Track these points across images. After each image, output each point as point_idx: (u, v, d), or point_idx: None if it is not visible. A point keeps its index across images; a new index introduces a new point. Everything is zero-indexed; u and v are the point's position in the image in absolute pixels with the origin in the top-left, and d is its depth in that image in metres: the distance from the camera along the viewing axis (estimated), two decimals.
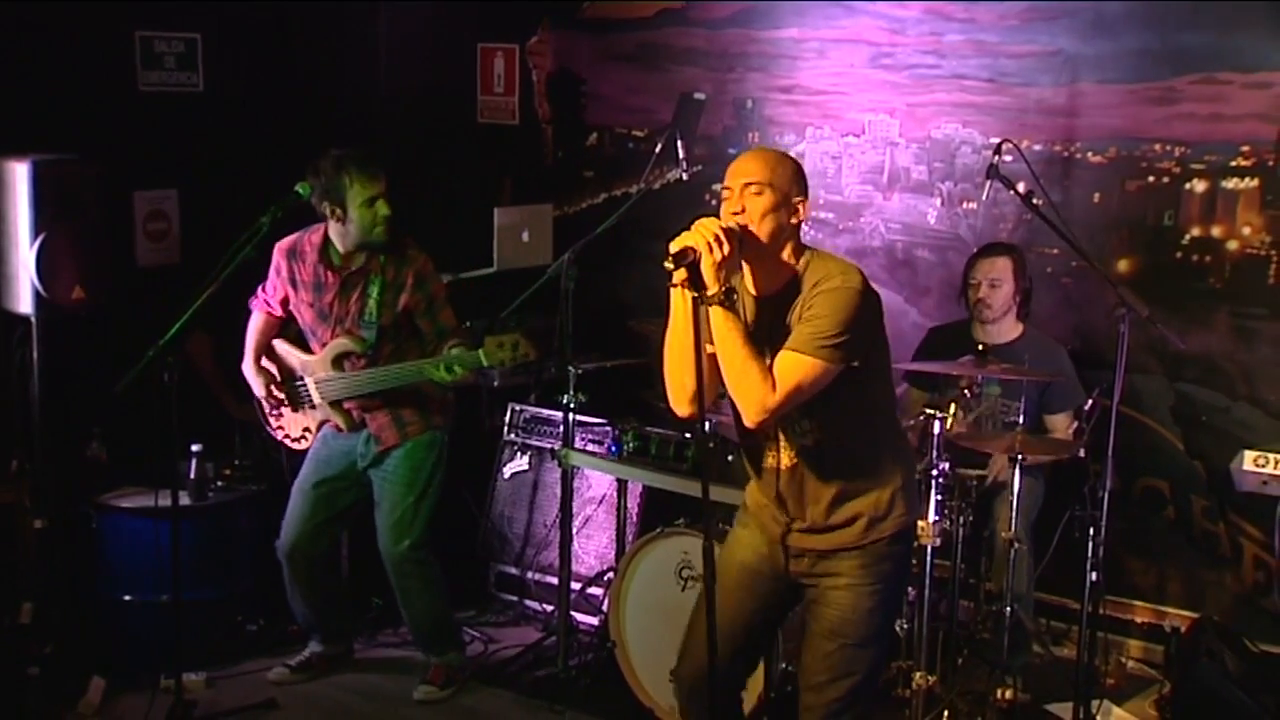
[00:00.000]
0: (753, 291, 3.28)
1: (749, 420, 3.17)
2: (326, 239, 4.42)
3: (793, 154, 3.40)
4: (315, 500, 4.58)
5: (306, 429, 4.63)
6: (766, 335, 3.21)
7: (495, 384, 5.49)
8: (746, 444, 3.42)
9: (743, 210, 3.18)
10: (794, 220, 3.23)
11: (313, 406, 4.56)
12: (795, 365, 3.12)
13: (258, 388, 4.58)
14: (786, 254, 3.24)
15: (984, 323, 4.85)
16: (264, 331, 4.60)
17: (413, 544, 4.54)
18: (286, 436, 4.69)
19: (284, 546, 4.62)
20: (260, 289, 4.58)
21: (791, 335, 3.15)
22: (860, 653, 3.33)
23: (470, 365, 4.22)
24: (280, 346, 4.60)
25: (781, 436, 3.30)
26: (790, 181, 3.22)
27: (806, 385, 3.12)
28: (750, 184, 3.19)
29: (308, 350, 4.53)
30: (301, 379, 4.56)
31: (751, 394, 3.12)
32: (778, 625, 3.65)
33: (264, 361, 4.59)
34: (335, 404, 4.49)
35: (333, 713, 4.62)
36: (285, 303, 4.55)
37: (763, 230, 3.18)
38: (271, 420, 4.71)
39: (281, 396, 4.58)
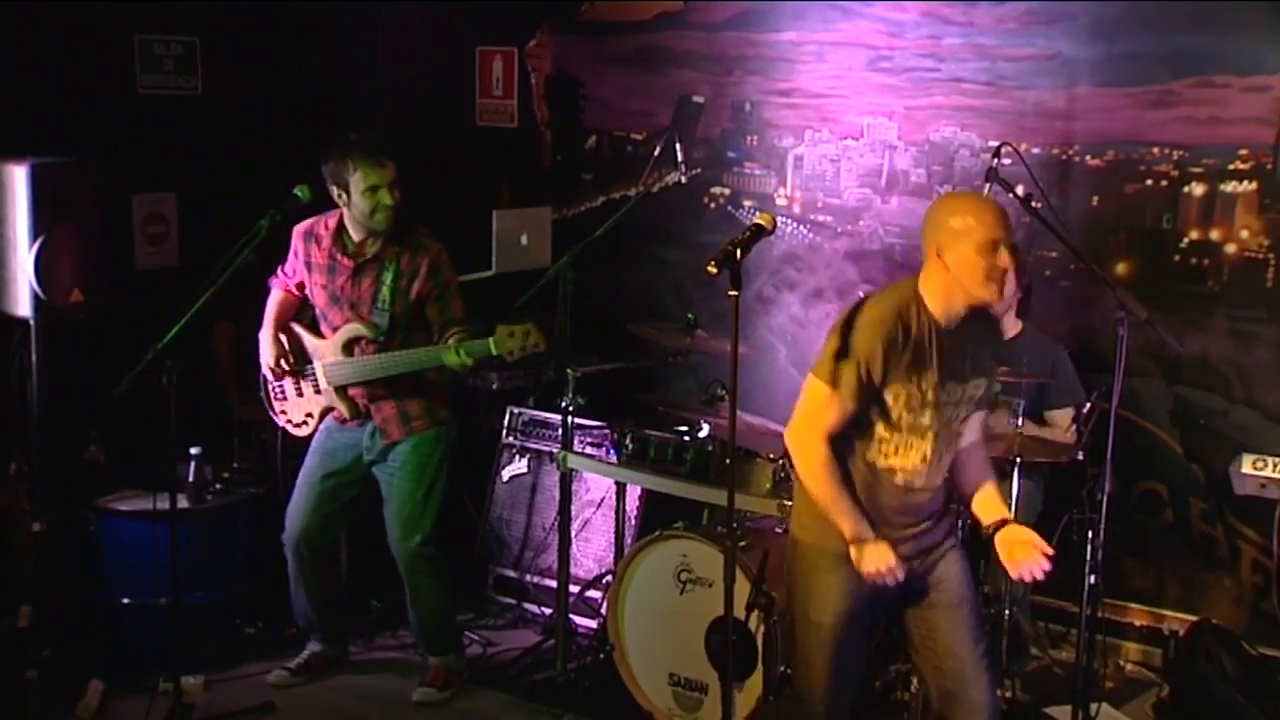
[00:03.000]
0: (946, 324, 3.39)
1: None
2: (341, 224, 4.46)
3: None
4: (322, 493, 4.59)
5: (309, 414, 4.63)
6: (970, 363, 3.41)
7: (494, 386, 5.50)
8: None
9: (1016, 267, 3.31)
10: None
11: (318, 391, 4.56)
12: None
13: (267, 355, 4.57)
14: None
15: None
16: (283, 306, 4.62)
17: (424, 539, 4.55)
18: (289, 421, 4.70)
19: (290, 539, 4.62)
20: (280, 269, 4.61)
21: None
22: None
23: (478, 353, 4.23)
24: (295, 329, 4.62)
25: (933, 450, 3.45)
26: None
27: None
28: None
29: (320, 335, 4.55)
30: (311, 363, 4.57)
31: None
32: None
33: (281, 336, 4.59)
34: (341, 390, 4.49)
35: (330, 715, 4.62)
36: (302, 286, 4.58)
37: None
38: (275, 404, 4.70)
39: (288, 369, 4.57)
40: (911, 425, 3.36)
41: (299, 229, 4.53)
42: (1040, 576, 3.47)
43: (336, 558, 4.85)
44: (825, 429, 3.35)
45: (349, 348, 4.45)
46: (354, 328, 4.43)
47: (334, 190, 4.36)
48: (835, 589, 3.45)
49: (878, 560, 3.37)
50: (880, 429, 3.37)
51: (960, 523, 3.71)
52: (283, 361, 4.56)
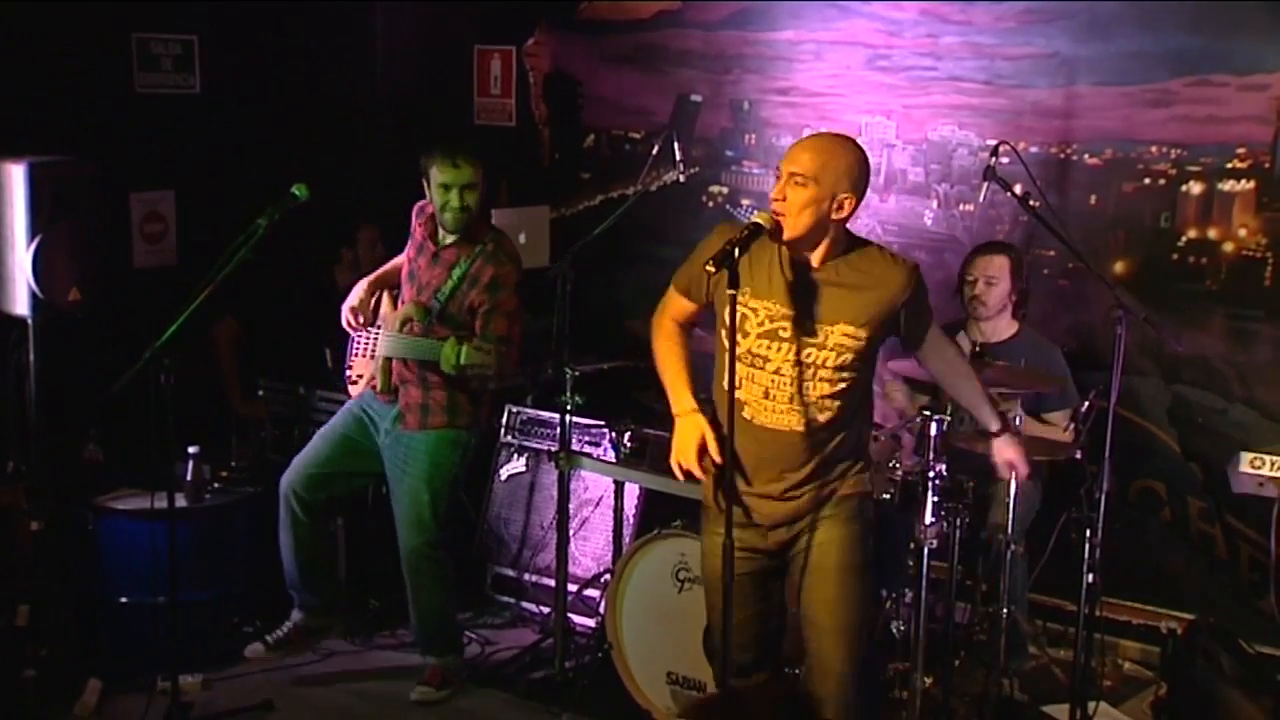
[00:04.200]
0: (811, 264, 3.38)
1: None
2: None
3: (851, 139, 3.44)
4: (331, 449, 4.63)
5: (361, 375, 4.70)
6: (807, 306, 3.34)
7: (492, 386, 5.49)
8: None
9: (783, 199, 3.28)
10: (836, 216, 3.32)
11: (372, 357, 4.63)
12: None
13: (350, 300, 4.63)
14: (827, 244, 3.36)
15: (978, 320, 4.86)
16: (395, 270, 4.69)
17: (428, 541, 4.56)
18: (349, 375, 4.77)
19: (285, 481, 4.64)
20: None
21: (924, 329, 3.52)
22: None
23: (455, 355, 4.25)
24: (383, 294, 4.70)
25: (800, 407, 3.39)
26: (837, 177, 3.29)
27: None
28: (795, 175, 3.29)
29: (397, 308, 4.64)
30: (378, 327, 4.63)
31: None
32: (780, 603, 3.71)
33: (371, 294, 4.66)
34: (386, 362, 4.54)
35: (329, 713, 4.62)
36: None
37: (800, 221, 3.29)
38: (350, 356, 4.77)
39: (354, 321, 4.62)
40: (751, 352, 3.38)
41: (418, 204, 4.62)
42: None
43: (325, 523, 4.81)
44: (667, 311, 3.62)
45: (403, 325, 4.51)
46: (410, 308, 4.49)
47: (423, 181, 4.46)
48: (709, 546, 3.56)
49: (683, 433, 3.46)
50: (724, 354, 3.40)
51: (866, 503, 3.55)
52: (356, 314, 4.62)
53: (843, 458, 3.48)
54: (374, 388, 4.59)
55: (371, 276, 4.69)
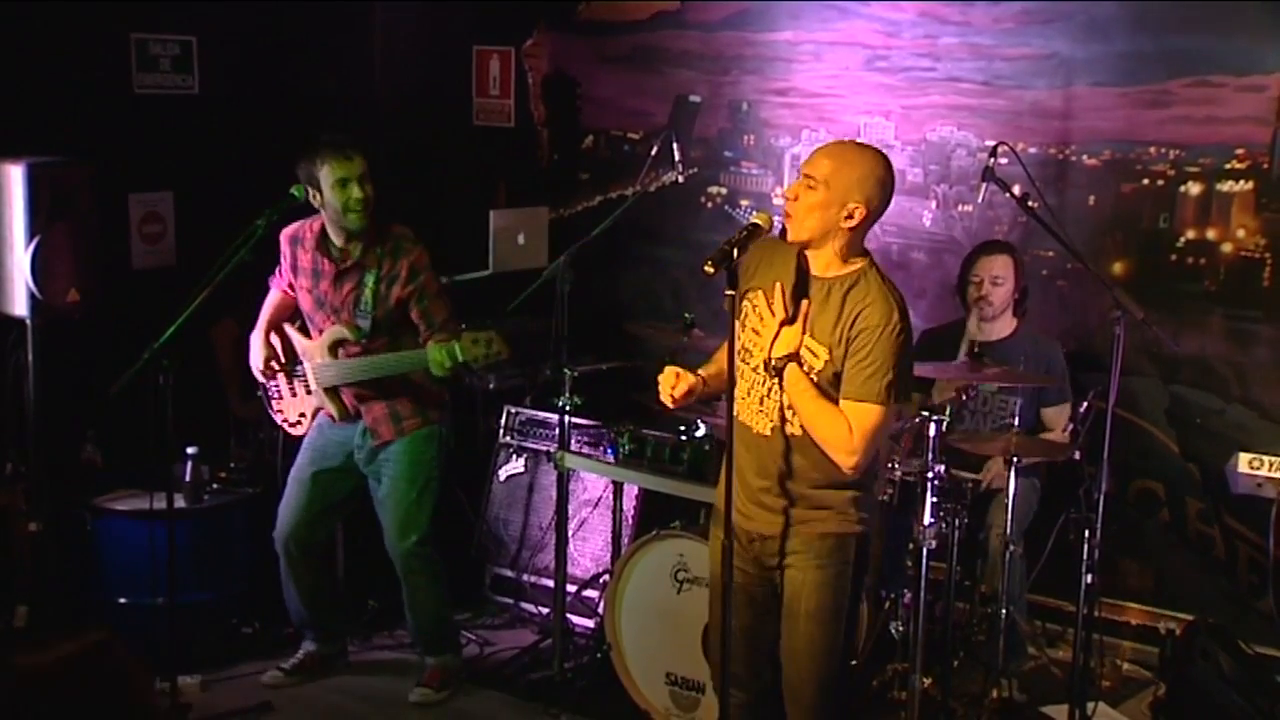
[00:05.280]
0: (812, 271, 3.35)
1: (845, 468, 3.28)
2: (325, 228, 4.45)
3: (876, 151, 3.33)
4: (312, 490, 4.59)
5: (302, 414, 4.66)
6: (793, 310, 3.32)
7: (491, 386, 5.50)
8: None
9: (795, 198, 3.28)
10: (845, 224, 3.26)
11: (309, 392, 4.58)
12: (863, 414, 3.23)
13: (256, 358, 4.58)
14: (832, 252, 3.31)
15: (984, 320, 4.87)
16: (279, 308, 4.64)
17: (419, 539, 4.54)
18: (285, 420, 4.72)
19: (280, 536, 4.62)
20: (278, 269, 4.63)
21: (847, 381, 3.25)
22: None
23: (449, 358, 4.23)
24: (288, 329, 4.62)
25: (768, 411, 3.36)
26: (850, 185, 3.25)
27: (879, 428, 3.26)
28: (809, 176, 3.28)
29: (310, 337, 4.57)
30: (301, 363, 4.59)
31: (833, 442, 3.26)
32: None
33: (272, 337, 4.61)
34: (330, 391, 4.50)
35: (327, 715, 4.62)
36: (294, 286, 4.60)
37: (806, 223, 3.28)
38: (273, 403, 4.73)
39: (277, 370, 4.59)
40: (743, 345, 3.38)
41: (285, 233, 4.52)
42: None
43: (329, 556, 4.85)
44: None
45: (334, 349, 4.46)
46: (337, 330, 4.43)
47: (310, 192, 4.34)
48: (710, 547, 3.56)
49: None
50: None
51: (855, 554, 3.40)
52: (272, 363, 4.58)
53: (824, 487, 3.35)
54: (331, 417, 4.55)
55: (261, 327, 4.59)
